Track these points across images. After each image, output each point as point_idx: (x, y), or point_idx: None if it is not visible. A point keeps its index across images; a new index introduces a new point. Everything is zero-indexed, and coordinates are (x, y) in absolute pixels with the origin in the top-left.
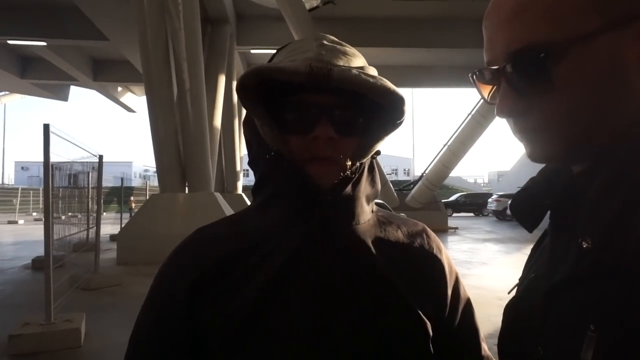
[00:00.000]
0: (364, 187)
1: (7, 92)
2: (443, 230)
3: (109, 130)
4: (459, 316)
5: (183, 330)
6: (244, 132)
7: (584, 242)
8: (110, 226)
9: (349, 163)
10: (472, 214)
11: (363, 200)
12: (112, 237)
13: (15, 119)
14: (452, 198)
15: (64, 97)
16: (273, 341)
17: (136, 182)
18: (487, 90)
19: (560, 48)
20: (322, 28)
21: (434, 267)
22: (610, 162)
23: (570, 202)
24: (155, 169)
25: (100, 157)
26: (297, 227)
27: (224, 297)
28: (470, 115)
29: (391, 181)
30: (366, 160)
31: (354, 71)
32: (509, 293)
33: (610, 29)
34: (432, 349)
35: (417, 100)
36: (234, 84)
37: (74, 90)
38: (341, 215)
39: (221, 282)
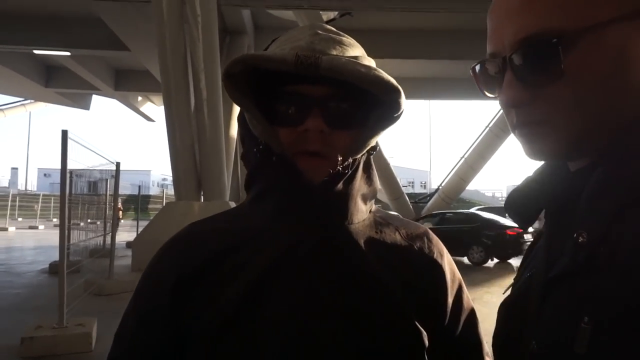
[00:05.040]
0: (359, 184)
1: (32, 100)
2: None
3: (129, 139)
4: (460, 327)
5: (165, 330)
6: (238, 128)
7: (579, 237)
8: (126, 233)
9: (341, 158)
10: None
11: (358, 199)
12: (128, 244)
13: (39, 127)
14: None
15: (85, 105)
16: (254, 346)
17: (154, 191)
18: (487, 83)
19: (571, 36)
20: None
21: (433, 273)
22: (608, 159)
23: (567, 200)
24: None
25: (118, 164)
26: (286, 225)
27: (207, 297)
28: (488, 128)
29: (407, 193)
30: (361, 156)
31: (344, 59)
32: (503, 293)
33: (621, 19)
34: None
35: (434, 112)
36: None
37: (96, 100)
38: (332, 213)
39: (204, 282)
